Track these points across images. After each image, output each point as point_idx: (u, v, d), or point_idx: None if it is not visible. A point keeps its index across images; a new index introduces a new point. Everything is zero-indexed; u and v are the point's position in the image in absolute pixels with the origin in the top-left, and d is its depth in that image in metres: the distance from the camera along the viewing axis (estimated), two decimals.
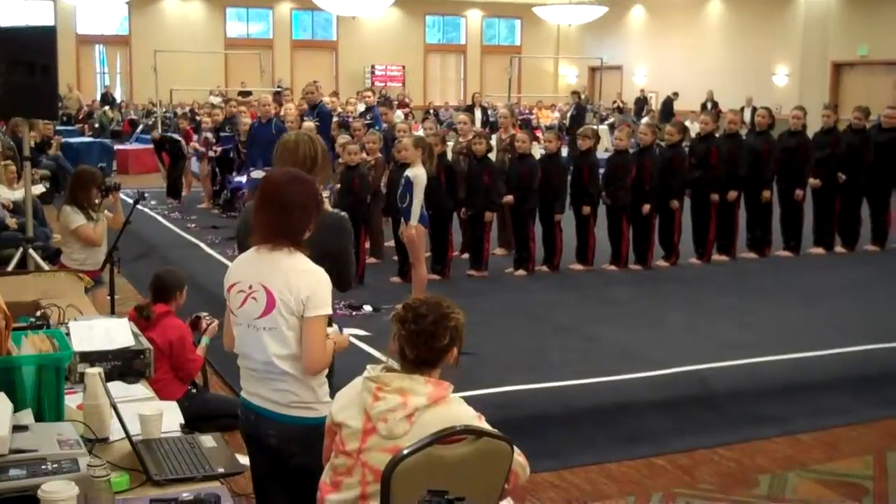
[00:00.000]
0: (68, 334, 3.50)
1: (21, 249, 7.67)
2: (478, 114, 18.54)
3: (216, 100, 21.29)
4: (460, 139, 9.78)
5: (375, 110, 12.52)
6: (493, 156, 9.32)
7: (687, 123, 11.50)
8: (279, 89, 20.92)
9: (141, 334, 3.95)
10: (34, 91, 7.09)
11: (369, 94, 14.81)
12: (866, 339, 6.73)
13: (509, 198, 8.92)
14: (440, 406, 2.68)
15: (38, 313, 3.98)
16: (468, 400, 2.80)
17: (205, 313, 5.43)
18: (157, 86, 19.50)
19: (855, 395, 5.93)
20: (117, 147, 18.98)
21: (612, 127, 20.16)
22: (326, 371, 3.16)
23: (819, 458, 5.14)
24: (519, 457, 2.76)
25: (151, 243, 10.54)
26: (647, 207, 9.14)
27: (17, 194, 9.78)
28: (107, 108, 23.85)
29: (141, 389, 3.53)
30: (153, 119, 19.47)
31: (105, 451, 2.81)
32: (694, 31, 26.57)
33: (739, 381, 5.96)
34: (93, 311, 4.60)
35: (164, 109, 20.37)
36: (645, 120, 19.58)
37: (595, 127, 13.42)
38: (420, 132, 10.17)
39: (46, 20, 23.14)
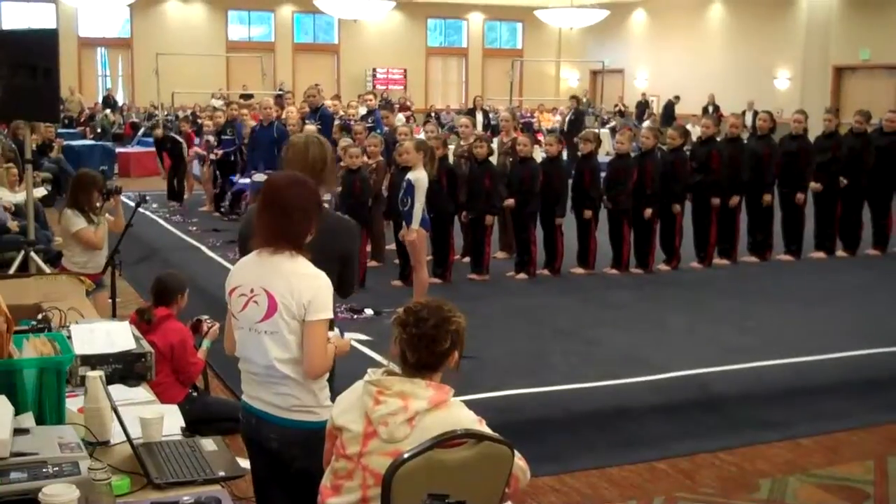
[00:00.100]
0: (69, 337, 3.50)
1: (22, 252, 7.69)
2: (479, 117, 18.54)
3: (218, 103, 21.29)
4: (461, 142, 9.78)
5: (377, 113, 12.52)
6: (494, 159, 9.32)
7: (688, 127, 11.51)
8: (281, 92, 20.94)
9: (142, 337, 3.95)
10: (36, 94, 7.09)
11: (371, 97, 14.81)
12: (867, 343, 6.73)
13: (510, 201, 8.93)
14: (441, 410, 2.68)
15: (40, 316, 3.98)
16: (469, 404, 2.80)
17: (206, 316, 5.43)
18: (159, 89, 19.52)
19: (856, 399, 5.93)
20: (119, 150, 18.98)
21: (613, 131, 20.16)
22: (327, 375, 3.16)
23: (820, 462, 5.14)
24: (520, 461, 2.76)
25: (153, 246, 10.54)
26: (648, 212, 9.14)
27: (19, 197, 9.79)
28: (108, 111, 23.87)
29: (142, 393, 3.54)
30: (154, 121, 19.47)
31: (106, 455, 2.81)
32: (695, 34, 26.58)
33: (740, 385, 5.96)
34: (94, 314, 4.60)
35: (165, 112, 20.39)
36: (646, 124, 19.56)
37: (596, 130, 13.42)
38: (421, 135, 10.18)
39: (48, 23, 23.14)
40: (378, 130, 11.06)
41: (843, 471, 5.02)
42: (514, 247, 9.41)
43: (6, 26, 22.75)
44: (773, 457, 5.19)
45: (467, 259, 9.27)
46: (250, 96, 22.85)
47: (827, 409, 5.79)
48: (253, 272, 3.10)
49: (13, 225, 9.31)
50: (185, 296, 5.28)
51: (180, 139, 14.67)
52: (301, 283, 3.02)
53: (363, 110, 14.43)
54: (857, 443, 5.41)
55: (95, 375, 2.96)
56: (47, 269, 7.17)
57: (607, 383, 5.85)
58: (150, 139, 16.81)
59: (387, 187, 9.19)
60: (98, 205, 6.59)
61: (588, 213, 9.11)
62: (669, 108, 24.68)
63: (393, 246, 9.30)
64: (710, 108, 22.89)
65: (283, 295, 3.01)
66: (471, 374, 5.44)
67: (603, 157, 10.56)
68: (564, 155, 10.51)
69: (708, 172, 9.51)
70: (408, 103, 25.86)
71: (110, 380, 3.27)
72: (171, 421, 3.11)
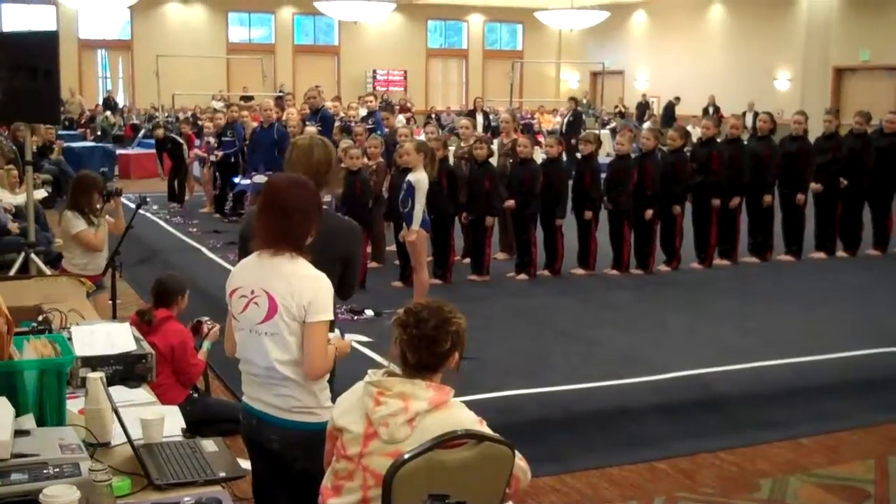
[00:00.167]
0: (70, 339, 3.50)
1: (23, 254, 7.69)
2: (479, 118, 18.54)
3: (218, 104, 21.33)
4: (462, 144, 9.78)
5: (377, 115, 12.53)
6: (494, 160, 9.32)
7: (688, 128, 11.51)
8: (281, 94, 20.95)
9: (143, 339, 3.95)
10: (36, 95, 7.09)
11: (371, 98, 14.81)
12: (868, 343, 6.73)
13: (510, 202, 8.93)
14: (441, 410, 2.68)
15: (40, 318, 3.99)
16: (469, 404, 2.80)
17: (206, 318, 5.43)
18: (159, 90, 19.55)
19: (856, 399, 5.93)
20: (119, 152, 18.99)
21: (613, 132, 20.17)
22: (328, 376, 3.16)
23: (821, 462, 5.14)
24: (520, 461, 2.76)
25: (153, 248, 10.55)
26: (649, 213, 9.14)
27: (20, 199, 9.80)
28: (109, 112, 23.88)
29: (142, 394, 3.54)
30: (155, 122, 19.48)
31: (107, 456, 2.81)
32: (696, 35, 26.59)
33: (741, 385, 5.96)
34: (94, 315, 4.60)
35: (166, 114, 20.41)
36: (647, 125, 19.57)
37: (597, 131, 13.42)
38: (422, 137, 10.18)
39: (49, 25, 23.14)
40: (378, 132, 11.07)
41: (844, 470, 5.02)
42: (514, 248, 9.41)
43: (7, 28, 22.75)
44: (774, 457, 5.19)
45: (468, 260, 9.27)
46: (251, 98, 22.86)
47: (828, 408, 5.79)
48: (253, 273, 3.10)
49: (14, 227, 9.32)
50: (186, 297, 5.29)
51: (181, 140, 14.68)
52: (301, 284, 3.02)
53: (363, 112, 14.44)
54: (857, 442, 5.41)
55: (96, 377, 2.96)
56: (48, 271, 7.17)
57: (608, 384, 5.85)
58: (151, 141, 16.81)
59: (387, 189, 9.20)
60: (98, 206, 6.59)
61: (588, 214, 9.11)
62: (670, 109, 24.69)
63: (393, 247, 9.31)
64: (711, 110, 22.90)
65: (283, 296, 3.02)
66: (471, 374, 5.44)
67: (603, 158, 10.56)
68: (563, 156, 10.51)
69: (708, 173, 9.51)
70: (408, 105, 25.87)
71: (111, 381, 3.27)
72: (172, 422, 3.11)
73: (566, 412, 5.46)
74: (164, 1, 26.94)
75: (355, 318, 7.33)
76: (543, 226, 9.09)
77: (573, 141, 15.29)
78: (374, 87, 27.85)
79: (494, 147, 9.93)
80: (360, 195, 8.50)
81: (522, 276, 8.97)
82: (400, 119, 17.18)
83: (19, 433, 2.60)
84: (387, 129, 11.42)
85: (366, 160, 9.17)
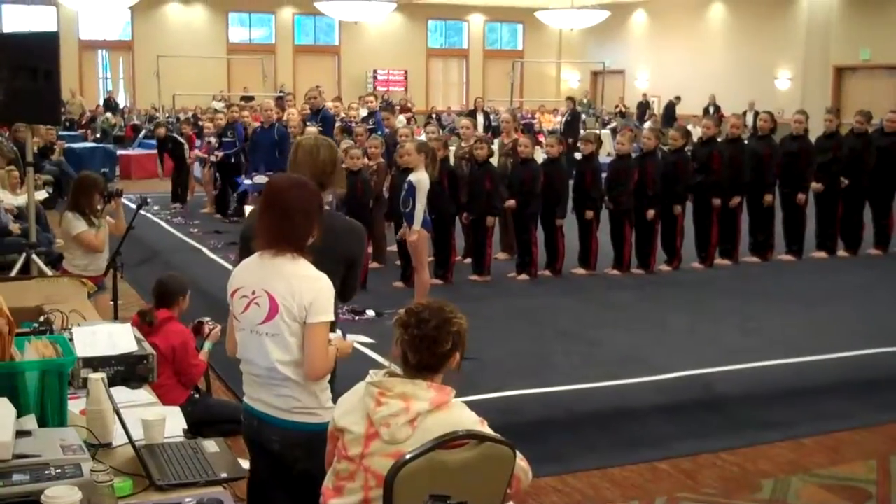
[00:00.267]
0: (71, 340, 3.50)
1: (24, 255, 7.70)
2: (480, 118, 18.54)
3: (219, 105, 21.32)
4: (462, 144, 9.78)
5: (378, 115, 12.52)
6: (495, 160, 9.32)
7: (689, 128, 11.51)
8: (281, 94, 20.95)
9: (144, 339, 3.95)
10: (37, 96, 7.10)
11: (372, 98, 14.82)
12: (869, 343, 6.72)
13: (511, 202, 8.93)
14: (442, 411, 2.68)
15: (42, 319, 3.99)
16: (470, 405, 2.80)
17: (207, 318, 5.43)
18: (160, 91, 19.57)
19: (858, 399, 5.92)
20: (120, 152, 18.99)
21: (614, 131, 20.16)
22: (329, 377, 3.16)
23: (822, 462, 5.14)
24: (521, 461, 2.76)
25: (154, 248, 10.55)
26: (651, 213, 9.13)
27: (21, 200, 9.80)
28: (109, 113, 23.88)
29: (144, 394, 3.54)
30: (157, 121, 19.50)
31: (108, 457, 2.81)
32: (696, 35, 26.58)
33: (742, 385, 5.96)
34: (96, 316, 4.60)
35: (166, 114, 20.41)
36: (648, 124, 19.55)
37: (597, 131, 13.42)
38: (422, 137, 10.18)
39: (49, 25, 23.15)
40: (379, 132, 11.07)
41: (846, 471, 5.02)
42: (515, 248, 9.41)
43: (7, 29, 22.74)
44: (776, 457, 5.19)
45: (468, 260, 9.27)
46: (251, 98, 22.86)
47: (829, 408, 5.79)
48: (255, 274, 3.10)
49: (15, 227, 9.32)
50: (187, 298, 5.29)
51: (182, 140, 14.69)
52: (302, 285, 3.02)
53: (364, 112, 14.44)
54: (859, 442, 5.41)
55: (97, 377, 2.96)
56: (49, 272, 7.17)
57: (609, 384, 5.85)
58: (152, 141, 16.82)
59: (388, 189, 9.20)
60: (99, 207, 6.58)
61: (589, 214, 9.11)
62: (670, 108, 24.68)
63: (394, 247, 9.30)
64: (711, 109, 22.89)
65: (283, 297, 3.01)
66: (472, 375, 5.44)
67: (604, 158, 10.55)
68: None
69: (709, 173, 9.51)
70: (409, 105, 25.87)
71: (112, 382, 3.27)
72: (173, 423, 3.11)
73: (567, 412, 5.46)
74: (164, 1, 26.95)
75: (356, 318, 7.33)
76: (544, 226, 9.09)
77: (570, 140, 15.28)
78: (375, 88, 27.85)
79: (495, 147, 9.93)
80: (361, 195, 8.50)
81: (523, 276, 8.97)
82: (400, 119, 17.18)
83: (21, 434, 2.60)
84: (387, 130, 11.42)
85: (366, 160, 9.17)
